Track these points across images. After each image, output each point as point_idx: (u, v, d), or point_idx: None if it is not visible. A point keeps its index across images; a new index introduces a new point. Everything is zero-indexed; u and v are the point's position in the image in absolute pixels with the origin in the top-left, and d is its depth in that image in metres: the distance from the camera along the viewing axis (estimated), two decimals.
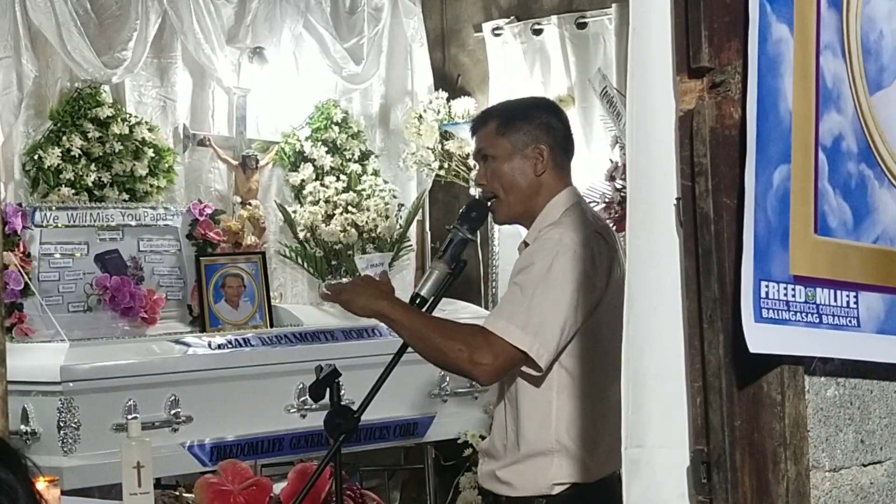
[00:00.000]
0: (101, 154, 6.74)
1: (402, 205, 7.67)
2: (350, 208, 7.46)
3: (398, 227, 7.57)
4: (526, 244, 3.87)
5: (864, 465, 2.40)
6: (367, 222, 7.44)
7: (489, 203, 3.92)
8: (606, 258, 3.74)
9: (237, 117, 7.38)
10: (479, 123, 3.98)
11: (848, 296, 2.28)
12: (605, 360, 3.65)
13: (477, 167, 4.00)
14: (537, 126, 3.88)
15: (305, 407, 6.21)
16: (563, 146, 3.92)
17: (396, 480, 7.86)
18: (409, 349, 3.73)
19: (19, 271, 6.09)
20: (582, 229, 3.79)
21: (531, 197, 3.86)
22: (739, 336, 2.13)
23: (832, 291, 2.25)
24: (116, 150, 6.77)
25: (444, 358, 3.72)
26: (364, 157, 7.74)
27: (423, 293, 3.76)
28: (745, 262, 2.13)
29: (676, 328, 2.25)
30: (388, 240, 7.52)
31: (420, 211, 7.80)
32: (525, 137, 3.86)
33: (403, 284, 7.61)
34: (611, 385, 3.51)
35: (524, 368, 3.69)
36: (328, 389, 3.68)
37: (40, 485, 3.68)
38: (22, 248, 6.21)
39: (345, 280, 3.91)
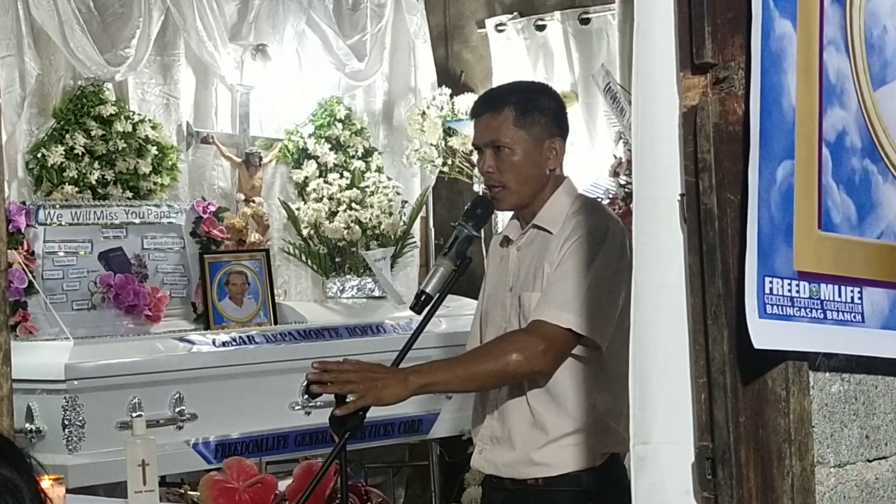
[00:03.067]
0: (104, 152, 6.74)
1: (406, 201, 7.67)
2: (354, 205, 7.45)
3: (402, 223, 7.57)
4: (537, 228, 3.87)
5: (870, 461, 2.39)
6: (370, 219, 7.43)
7: (494, 190, 3.92)
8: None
9: (240, 115, 7.38)
10: (490, 108, 3.92)
11: (852, 291, 2.28)
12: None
13: (481, 154, 3.96)
14: (552, 118, 3.89)
15: (310, 404, 6.21)
16: (567, 135, 3.94)
17: (401, 477, 7.87)
18: (413, 347, 3.73)
19: (23, 269, 6.09)
20: (612, 216, 3.91)
21: (541, 188, 3.88)
22: (744, 332, 2.13)
23: (836, 287, 2.25)
24: (120, 148, 6.77)
25: (506, 377, 3.75)
26: (367, 153, 7.74)
27: (428, 290, 3.76)
28: (749, 257, 2.13)
29: (681, 324, 2.25)
30: (392, 237, 7.52)
31: (424, 208, 7.80)
32: (541, 131, 3.86)
33: (407, 281, 7.62)
34: None
35: (578, 351, 3.73)
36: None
37: (45, 483, 3.69)
38: (26, 247, 6.21)
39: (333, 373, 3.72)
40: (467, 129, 7.32)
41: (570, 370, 3.78)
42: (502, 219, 7.46)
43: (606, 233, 3.78)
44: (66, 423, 5.61)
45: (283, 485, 3.97)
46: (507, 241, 4.01)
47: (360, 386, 3.59)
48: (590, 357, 3.77)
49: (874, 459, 2.40)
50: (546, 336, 3.67)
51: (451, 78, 8.13)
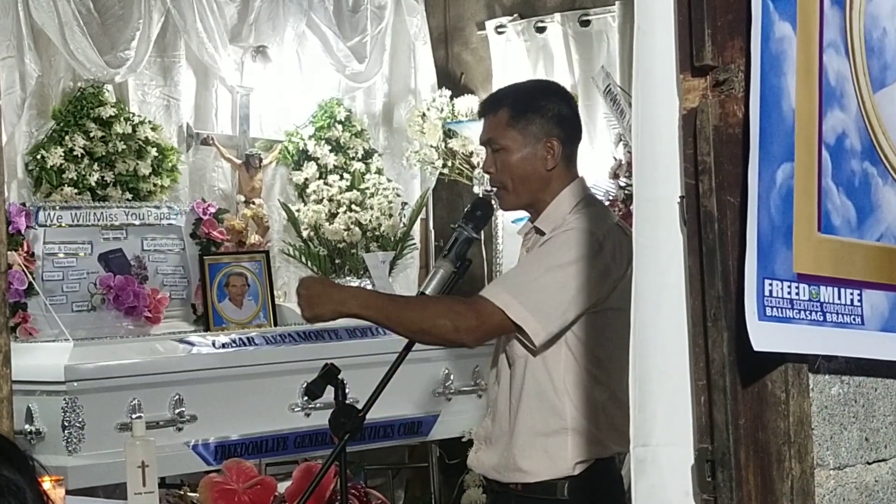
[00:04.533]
0: (104, 153, 6.74)
1: (406, 203, 7.67)
2: (353, 207, 7.46)
3: (402, 225, 7.57)
4: (536, 230, 3.87)
5: (869, 464, 2.39)
6: (370, 221, 7.44)
7: (496, 190, 3.92)
8: (627, 249, 3.73)
9: (240, 116, 7.38)
10: (489, 109, 3.93)
11: (852, 294, 2.28)
12: (615, 344, 3.66)
13: (484, 152, 3.97)
14: (550, 118, 3.86)
15: (310, 406, 6.21)
16: (572, 137, 3.91)
17: (401, 479, 7.87)
18: (415, 348, 3.74)
19: (23, 271, 6.09)
20: (604, 220, 3.85)
21: (540, 189, 3.86)
22: (743, 334, 2.13)
23: (836, 289, 2.25)
24: (119, 150, 6.77)
25: (430, 336, 3.78)
26: (367, 155, 7.74)
27: (427, 292, 3.75)
28: (749, 260, 2.13)
29: (681, 326, 2.25)
30: (392, 238, 7.52)
31: (423, 209, 7.80)
32: (537, 130, 3.84)
33: (407, 283, 7.63)
34: (616, 369, 3.60)
35: (518, 340, 3.72)
36: (327, 388, 3.67)
37: (46, 484, 3.68)
38: (26, 248, 6.22)
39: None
40: (467, 130, 7.34)
41: (538, 375, 3.76)
42: (502, 221, 7.48)
43: (583, 235, 3.73)
44: (66, 424, 5.61)
45: (282, 486, 3.97)
46: (522, 243, 4.03)
47: (303, 300, 3.81)
48: (570, 363, 3.75)
49: (874, 462, 2.40)
50: (482, 313, 3.66)
51: (451, 80, 8.13)
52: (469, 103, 7.53)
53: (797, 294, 2.18)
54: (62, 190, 6.54)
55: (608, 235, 3.76)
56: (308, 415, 6.27)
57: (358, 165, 7.64)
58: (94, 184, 6.66)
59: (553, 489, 3.74)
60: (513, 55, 7.83)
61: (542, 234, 3.84)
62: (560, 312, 3.67)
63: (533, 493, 3.77)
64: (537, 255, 3.75)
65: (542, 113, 3.86)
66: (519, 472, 3.78)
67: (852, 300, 2.28)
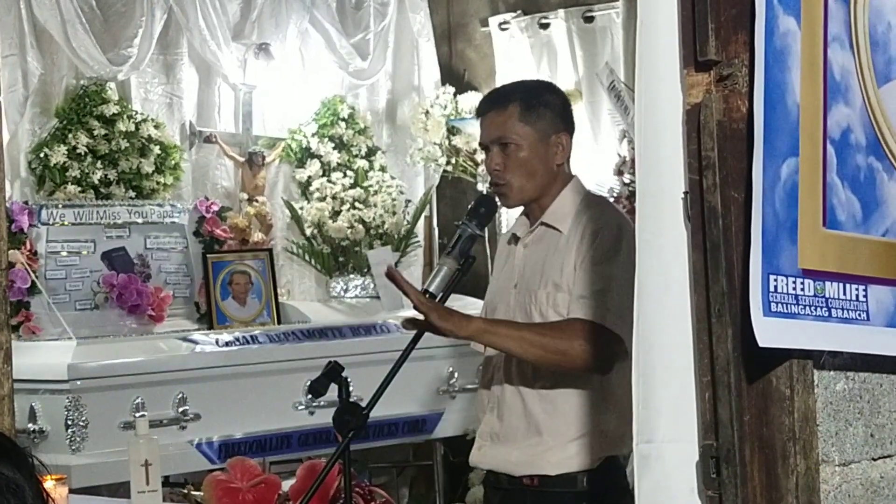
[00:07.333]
0: (107, 151, 6.74)
1: (410, 201, 7.67)
2: (357, 204, 7.45)
3: (405, 223, 7.57)
4: (546, 225, 3.86)
5: (874, 459, 2.39)
6: (374, 218, 7.43)
7: (499, 187, 3.90)
8: None
9: (243, 114, 7.38)
10: (495, 106, 3.91)
11: (857, 289, 2.28)
12: None
13: (488, 152, 3.94)
14: (557, 113, 3.88)
15: (313, 404, 6.20)
16: (573, 131, 3.93)
17: (405, 477, 7.86)
18: (418, 346, 3.73)
19: (26, 269, 6.09)
20: (620, 213, 3.91)
21: (548, 185, 3.87)
22: (748, 330, 2.12)
23: (841, 285, 2.25)
24: (122, 148, 6.77)
25: (565, 360, 3.72)
26: (371, 152, 7.73)
27: (431, 289, 3.75)
28: (754, 255, 2.12)
29: (685, 322, 2.24)
30: (396, 236, 7.51)
31: (427, 207, 7.79)
32: (547, 126, 3.85)
33: (411, 280, 7.58)
34: None
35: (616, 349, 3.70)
36: (331, 386, 3.67)
37: (48, 483, 3.68)
38: (28, 247, 6.21)
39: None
40: (471, 127, 7.32)
41: (569, 379, 3.76)
42: (506, 218, 7.47)
43: (616, 229, 3.76)
44: (69, 423, 5.61)
45: (286, 485, 3.96)
46: (514, 239, 4.01)
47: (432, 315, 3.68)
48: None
49: (879, 458, 2.40)
50: (594, 340, 3.65)
51: (454, 76, 8.12)
52: (472, 100, 7.51)
53: (802, 289, 2.18)
54: (65, 188, 6.54)
55: (631, 227, 3.80)
56: (312, 413, 6.27)
57: (361, 163, 7.63)
58: (97, 182, 6.65)
59: (574, 482, 3.76)
60: (516, 52, 7.82)
61: (556, 230, 3.83)
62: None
63: (552, 486, 3.77)
64: (596, 258, 3.73)
65: (550, 107, 3.87)
66: (537, 467, 3.78)
67: (857, 295, 2.28)
